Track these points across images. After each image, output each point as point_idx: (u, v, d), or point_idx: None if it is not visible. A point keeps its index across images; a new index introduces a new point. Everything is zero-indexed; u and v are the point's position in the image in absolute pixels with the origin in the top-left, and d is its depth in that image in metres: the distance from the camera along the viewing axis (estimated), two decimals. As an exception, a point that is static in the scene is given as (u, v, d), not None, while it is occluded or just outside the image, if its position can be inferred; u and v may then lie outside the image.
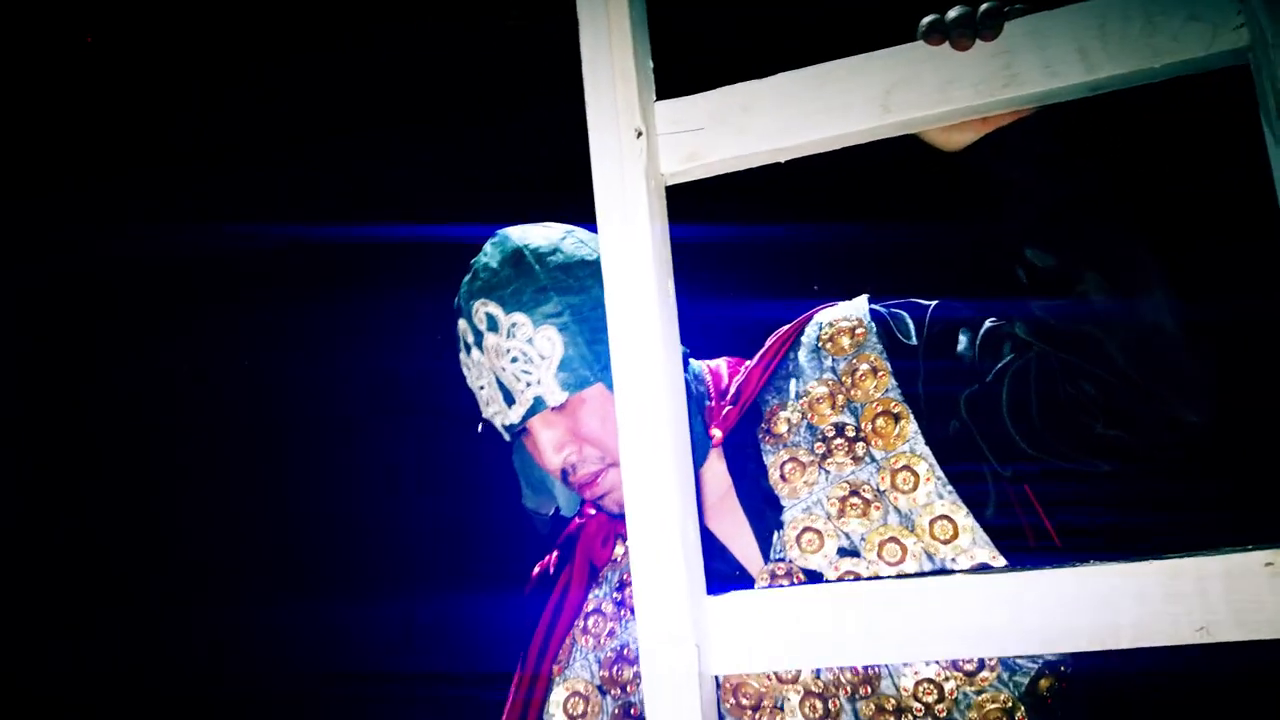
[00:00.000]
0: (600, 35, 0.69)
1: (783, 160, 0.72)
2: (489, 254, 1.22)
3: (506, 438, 1.21)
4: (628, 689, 1.15)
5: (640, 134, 0.68)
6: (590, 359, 1.13)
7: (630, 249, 0.67)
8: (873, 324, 1.17)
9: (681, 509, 0.66)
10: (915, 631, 0.64)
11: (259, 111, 3.11)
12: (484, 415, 1.21)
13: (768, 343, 1.25)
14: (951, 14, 0.69)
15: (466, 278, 1.22)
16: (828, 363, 1.17)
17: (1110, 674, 1.04)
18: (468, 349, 1.19)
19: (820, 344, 1.19)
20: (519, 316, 1.15)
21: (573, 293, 1.15)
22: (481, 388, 1.18)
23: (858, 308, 1.21)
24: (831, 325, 1.20)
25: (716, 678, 0.68)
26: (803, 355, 1.20)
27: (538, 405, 1.14)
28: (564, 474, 1.18)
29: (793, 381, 1.19)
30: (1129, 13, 0.64)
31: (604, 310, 0.97)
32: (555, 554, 1.36)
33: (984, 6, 0.68)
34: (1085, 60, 0.65)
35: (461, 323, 1.20)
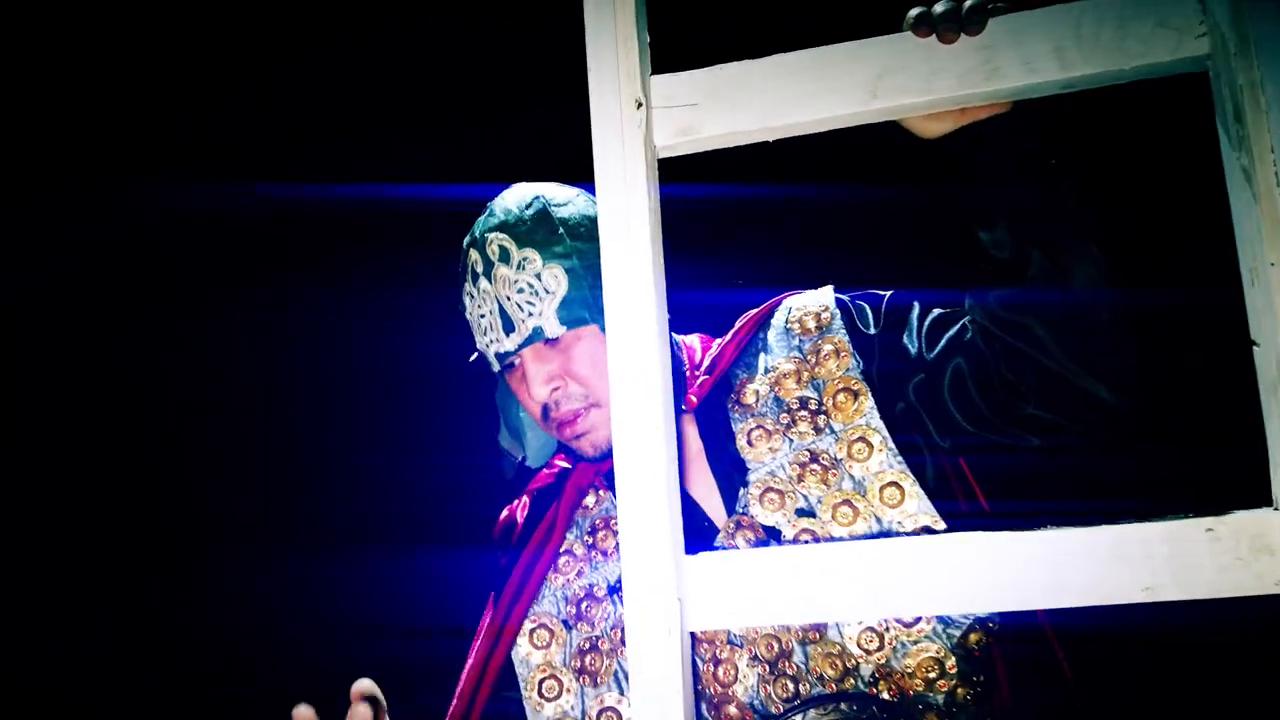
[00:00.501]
0: (605, 3, 0.71)
1: (771, 139, 0.74)
2: (508, 198, 1.29)
3: (496, 367, 1.27)
4: (594, 625, 1.22)
5: (640, 105, 0.70)
6: (590, 302, 1.21)
7: (628, 214, 0.69)
8: (837, 310, 1.27)
9: (669, 472, 0.69)
10: (883, 591, 0.68)
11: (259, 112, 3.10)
12: (479, 345, 1.28)
13: (738, 323, 1.34)
14: (938, 8, 0.72)
15: (483, 215, 1.29)
16: (795, 342, 1.27)
17: (1033, 631, 1.13)
18: (475, 278, 1.25)
19: (789, 325, 1.29)
20: (530, 252, 1.22)
21: (582, 240, 1.23)
22: (483, 316, 1.24)
23: (824, 295, 1.30)
24: (800, 309, 1.30)
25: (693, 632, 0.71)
26: (772, 335, 1.29)
27: (535, 335, 1.21)
28: (545, 410, 1.24)
29: (762, 357, 1.28)
30: (1103, 16, 0.69)
31: None
32: (525, 500, 1.42)
33: (969, 3, 0.71)
34: (1061, 59, 0.69)
35: (473, 253, 1.26)
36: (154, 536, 3.49)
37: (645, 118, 0.70)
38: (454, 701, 1.27)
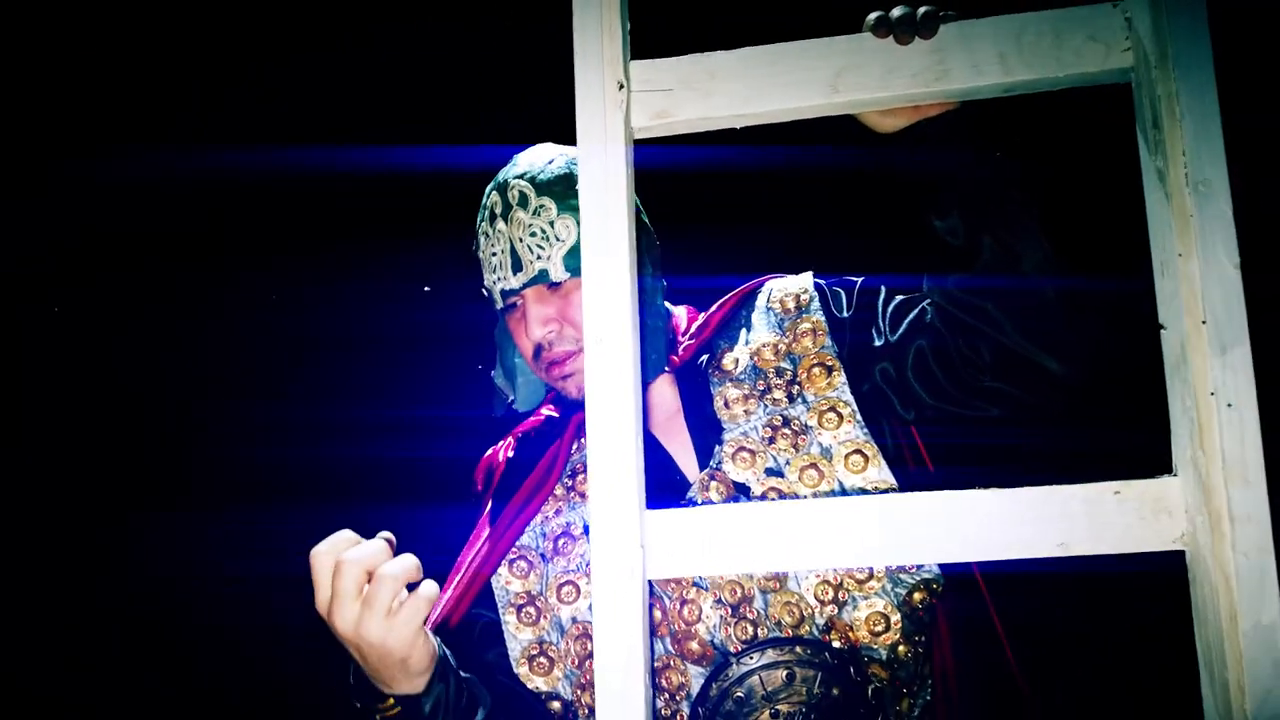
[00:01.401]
0: (590, -5, 0.75)
1: (739, 126, 0.80)
2: (534, 152, 1.36)
3: (500, 304, 1.34)
4: (570, 560, 1.30)
5: (622, 86, 0.75)
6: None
7: (606, 188, 0.75)
8: (815, 293, 1.35)
9: (635, 432, 0.74)
10: (821, 544, 0.74)
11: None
12: (486, 282, 1.35)
13: (724, 298, 1.43)
14: (896, 12, 0.79)
15: (507, 165, 1.35)
16: (775, 319, 1.36)
17: (971, 590, 1.22)
18: (492, 219, 1.32)
19: (770, 305, 1.37)
20: (547, 201, 1.28)
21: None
22: (494, 254, 1.31)
23: (804, 279, 1.39)
24: (781, 290, 1.38)
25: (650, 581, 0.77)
26: (755, 313, 1.38)
27: (540, 277, 1.28)
28: (537, 350, 1.30)
29: (743, 331, 1.37)
30: (1042, 28, 0.76)
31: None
32: (510, 441, 1.49)
33: (923, 9, 0.78)
34: (1004, 64, 0.76)
35: (494, 195, 1.33)
36: (132, 490, 3.49)
37: (626, 99, 0.75)
38: (435, 609, 1.31)
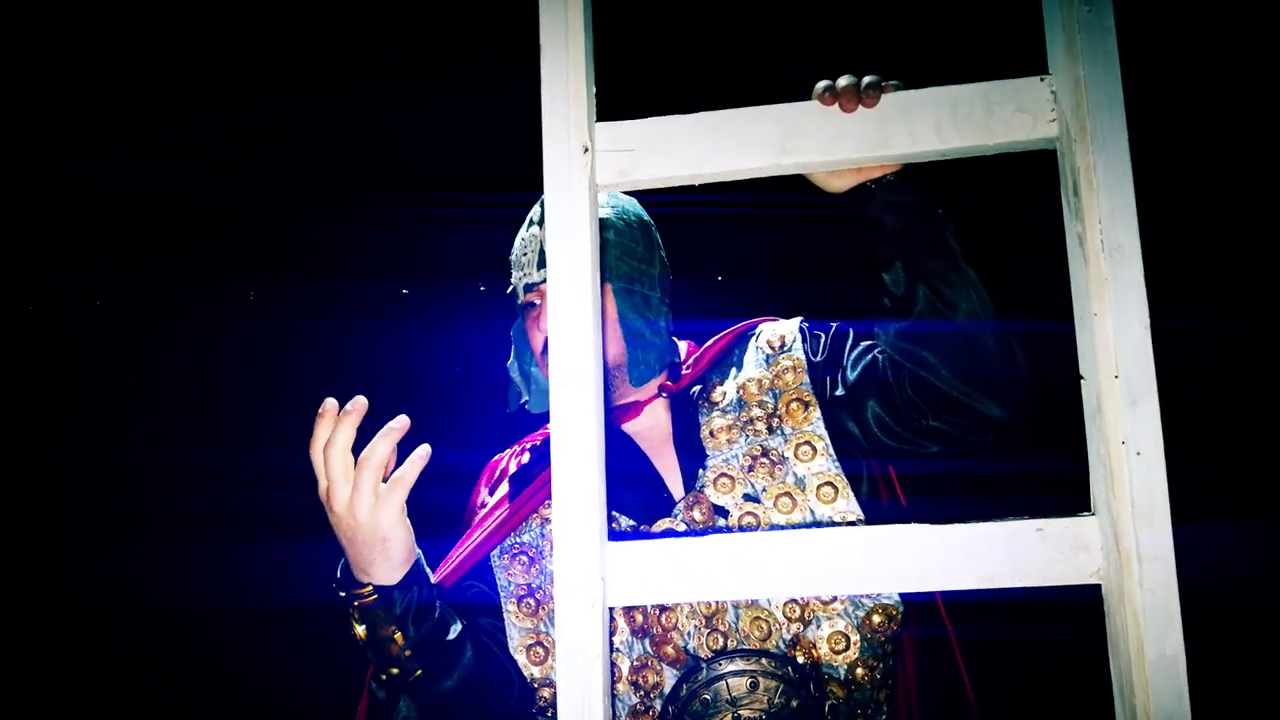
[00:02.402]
0: (559, 60, 0.81)
1: (697, 184, 0.86)
2: None
3: (520, 300, 1.45)
4: None
5: (586, 150, 0.81)
6: (612, 268, 1.41)
7: (572, 240, 0.80)
8: (798, 336, 1.45)
9: (598, 472, 0.80)
10: (766, 574, 0.80)
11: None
12: (513, 280, 1.46)
13: (718, 335, 1.54)
14: (841, 81, 0.85)
15: None
16: (762, 357, 1.45)
17: (931, 615, 1.29)
18: (530, 224, 1.45)
19: (759, 344, 1.48)
20: None
21: (622, 223, 1.43)
22: (524, 254, 1.43)
23: (792, 323, 1.49)
24: (772, 330, 1.49)
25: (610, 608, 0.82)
26: (747, 352, 1.48)
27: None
28: (547, 344, 1.36)
29: (734, 369, 1.47)
30: (974, 99, 0.82)
31: (634, 247, 1.43)
32: (521, 448, 1.60)
33: (866, 79, 0.84)
34: (939, 132, 0.82)
35: (537, 208, 1.45)
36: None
37: (590, 161, 0.81)
38: (439, 571, 1.40)
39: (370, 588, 1.15)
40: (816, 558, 0.80)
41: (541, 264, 1.39)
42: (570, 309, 0.80)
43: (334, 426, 1.08)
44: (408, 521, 1.14)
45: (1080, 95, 0.77)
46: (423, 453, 1.10)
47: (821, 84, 0.89)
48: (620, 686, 1.30)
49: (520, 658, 1.36)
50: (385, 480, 1.11)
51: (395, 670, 1.17)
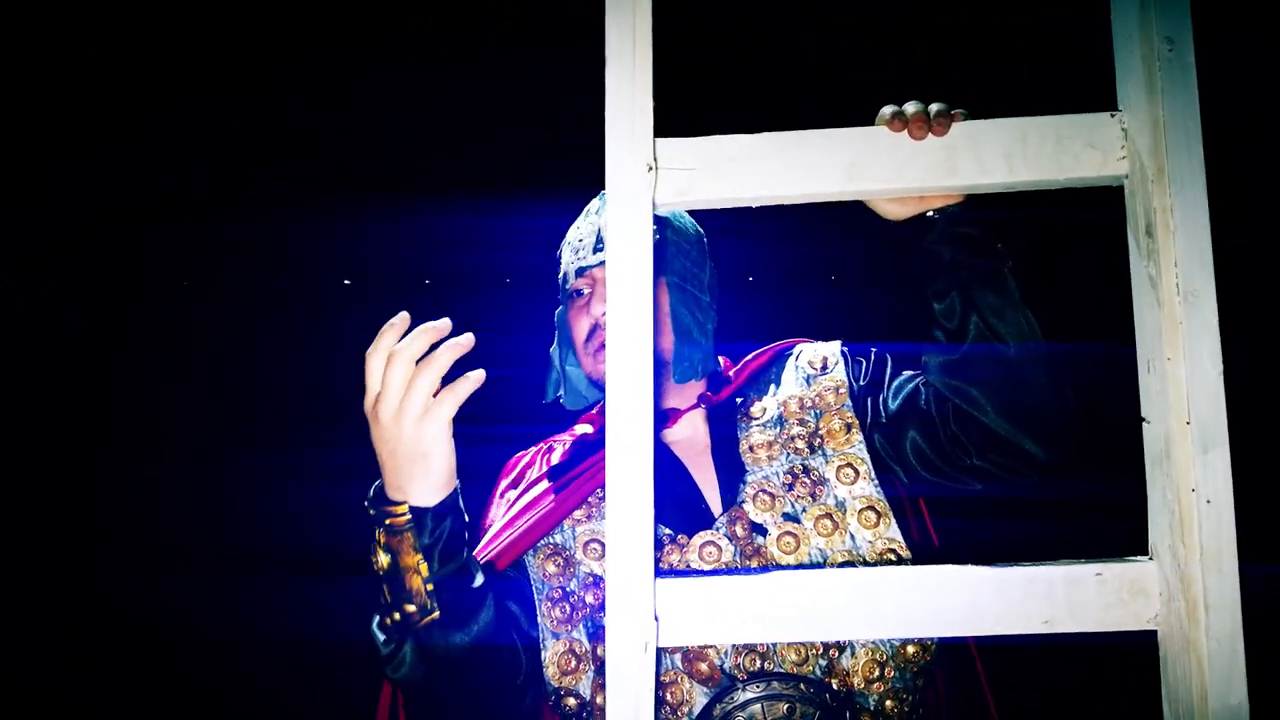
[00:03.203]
0: (625, 71, 0.77)
1: (756, 206, 0.83)
2: None
3: (570, 284, 1.45)
4: (598, 564, 1.35)
5: (650, 168, 0.77)
6: (666, 265, 1.41)
7: (633, 260, 0.76)
8: (840, 358, 1.44)
9: (648, 514, 0.76)
10: (826, 616, 0.78)
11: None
12: (565, 265, 1.46)
13: (757, 352, 1.53)
14: (910, 108, 0.83)
15: None
16: (802, 376, 1.44)
17: (963, 654, 1.28)
18: (587, 214, 1.48)
19: (799, 363, 1.46)
20: None
21: (679, 223, 1.47)
22: (580, 239, 1.44)
23: (833, 345, 1.48)
24: (812, 351, 1.48)
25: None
26: (785, 370, 1.47)
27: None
28: (593, 330, 1.41)
29: (772, 385, 1.45)
30: (1045, 132, 0.80)
31: (689, 249, 1.45)
32: (567, 439, 1.56)
33: (935, 107, 0.82)
34: (1009, 164, 0.80)
35: (596, 200, 1.48)
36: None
37: (654, 180, 0.77)
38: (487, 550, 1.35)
39: (404, 506, 1.07)
40: (875, 598, 0.77)
41: (598, 248, 1.39)
42: (626, 334, 0.76)
43: (403, 337, 1.02)
44: (452, 442, 1.07)
45: (1159, 135, 0.76)
46: (477, 375, 1.03)
47: (889, 109, 0.86)
48: None
49: (548, 655, 1.30)
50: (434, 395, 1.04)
51: (411, 608, 1.08)
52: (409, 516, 1.07)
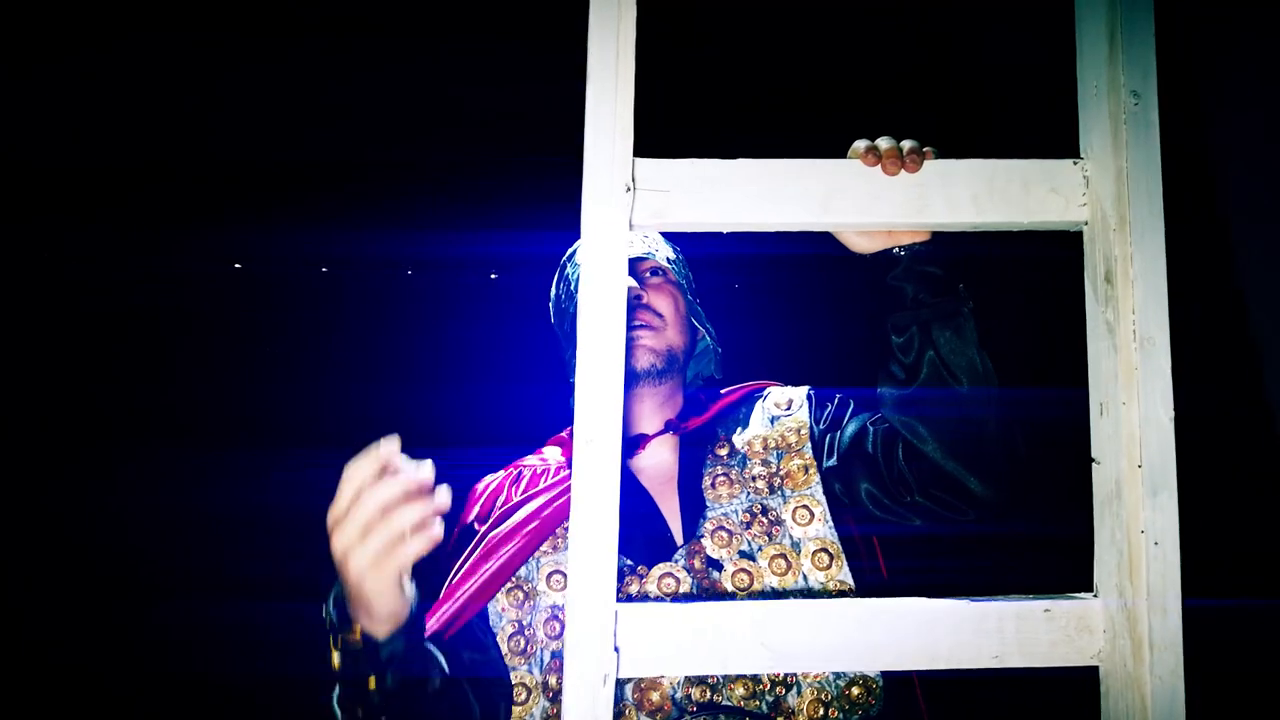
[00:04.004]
0: (606, 88, 0.75)
1: (728, 232, 0.82)
2: None
3: None
4: (561, 596, 1.34)
5: (629, 189, 0.75)
6: (678, 276, 1.52)
7: (607, 281, 0.74)
8: (805, 402, 1.48)
9: (611, 542, 0.74)
10: (786, 646, 0.77)
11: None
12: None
13: (730, 389, 1.57)
14: (883, 144, 0.83)
15: None
16: (768, 417, 1.47)
17: (906, 693, 1.29)
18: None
19: (766, 405, 1.50)
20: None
21: (674, 245, 1.57)
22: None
23: (800, 390, 1.52)
24: (781, 394, 1.52)
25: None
26: (754, 412, 1.50)
27: (649, 255, 1.55)
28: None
29: (739, 425, 1.48)
30: (1012, 175, 0.82)
31: (686, 271, 1.59)
32: (512, 475, 1.54)
33: (908, 144, 0.83)
34: (977, 205, 0.81)
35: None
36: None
37: (631, 201, 0.75)
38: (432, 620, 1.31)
39: (359, 632, 1.04)
40: (835, 629, 0.77)
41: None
42: (599, 358, 0.74)
43: (382, 475, 0.97)
44: (405, 584, 1.02)
45: (1123, 184, 0.78)
46: (436, 533, 0.97)
47: (862, 143, 0.86)
48: None
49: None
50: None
51: (359, 710, 1.06)
52: (362, 643, 1.05)
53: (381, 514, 0.95)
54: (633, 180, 0.76)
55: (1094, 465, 0.82)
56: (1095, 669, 0.80)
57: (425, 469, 0.97)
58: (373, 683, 1.05)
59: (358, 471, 0.96)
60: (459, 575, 1.35)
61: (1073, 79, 0.84)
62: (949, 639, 0.79)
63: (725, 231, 0.81)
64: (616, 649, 0.74)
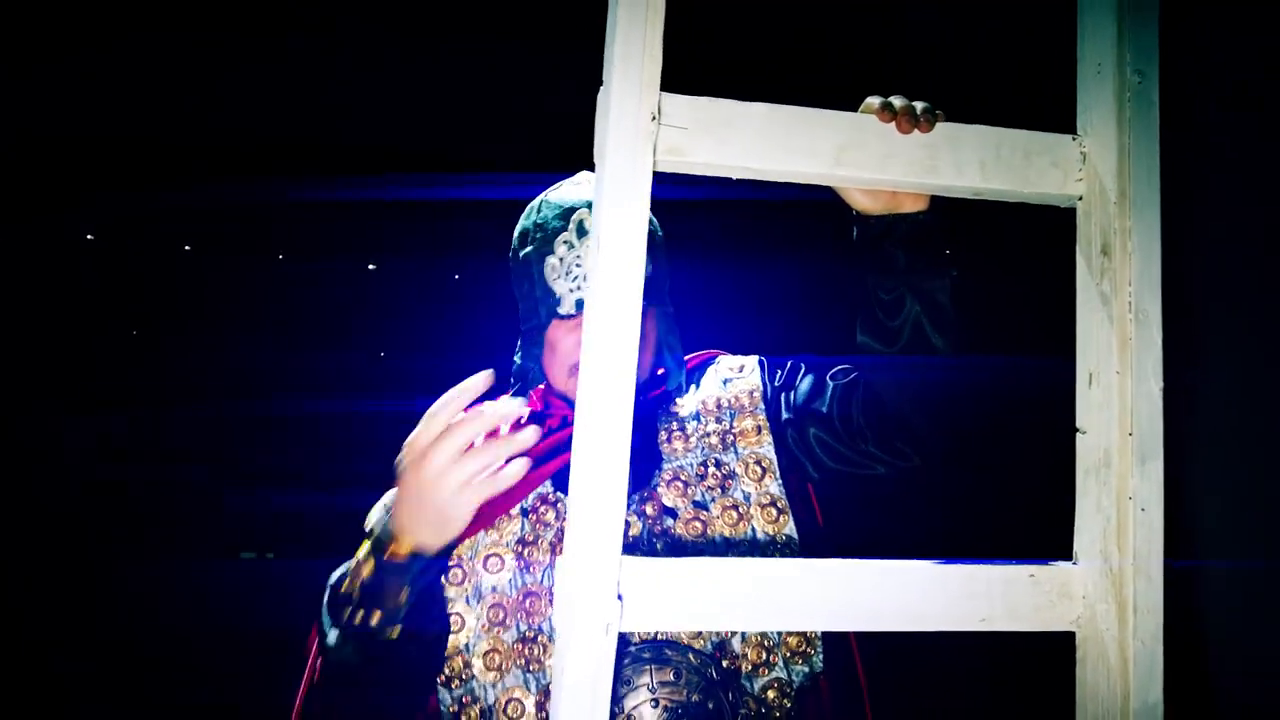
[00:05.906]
0: (637, 15, 0.72)
1: (736, 178, 0.80)
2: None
3: (563, 311, 1.36)
4: (502, 535, 1.35)
5: (654, 118, 0.72)
6: (654, 289, 1.42)
7: (629, 217, 0.71)
8: (757, 366, 1.50)
9: (623, 482, 0.71)
10: (787, 604, 0.75)
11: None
12: (560, 290, 1.38)
13: (687, 357, 1.54)
14: (897, 102, 0.83)
15: (574, 184, 1.44)
16: (720, 379, 1.49)
17: (842, 647, 1.30)
18: (581, 233, 1.38)
19: (718, 369, 1.51)
20: None
21: (659, 247, 1.45)
22: (578, 264, 1.36)
23: (751, 357, 1.53)
24: (732, 360, 1.53)
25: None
26: (705, 376, 1.50)
27: None
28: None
29: (694, 387, 1.49)
30: (1016, 145, 0.83)
31: (654, 252, 1.42)
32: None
33: (920, 105, 0.83)
34: (982, 171, 0.82)
35: (583, 210, 1.38)
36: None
37: (655, 131, 0.72)
38: None
39: (409, 549, 1.05)
40: (835, 588, 0.76)
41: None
42: (614, 291, 0.71)
43: (467, 413, 1.01)
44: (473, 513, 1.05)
45: (1125, 160, 0.80)
46: (520, 466, 1.01)
47: (875, 99, 0.86)
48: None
49: (478, 660, 1.28)
50: None
51: (377, 616, 1.07)
52: (409, 559, 1.07)
53: (484, 441, 1.00)
54: (659, 111, 0.73)
55: (1079, 435, 0.83)
56: (1071, 635, 0.82)
57: (517, 406, 1.02)
58: (404, 595, 1.07)
59: (454, 401, 1.01)
60: None
61: (1043, 58, 0.86)
62: (939, 599, 0.78)
63: (742, 177, 0.79)
64: (620, 597, 0.70)
